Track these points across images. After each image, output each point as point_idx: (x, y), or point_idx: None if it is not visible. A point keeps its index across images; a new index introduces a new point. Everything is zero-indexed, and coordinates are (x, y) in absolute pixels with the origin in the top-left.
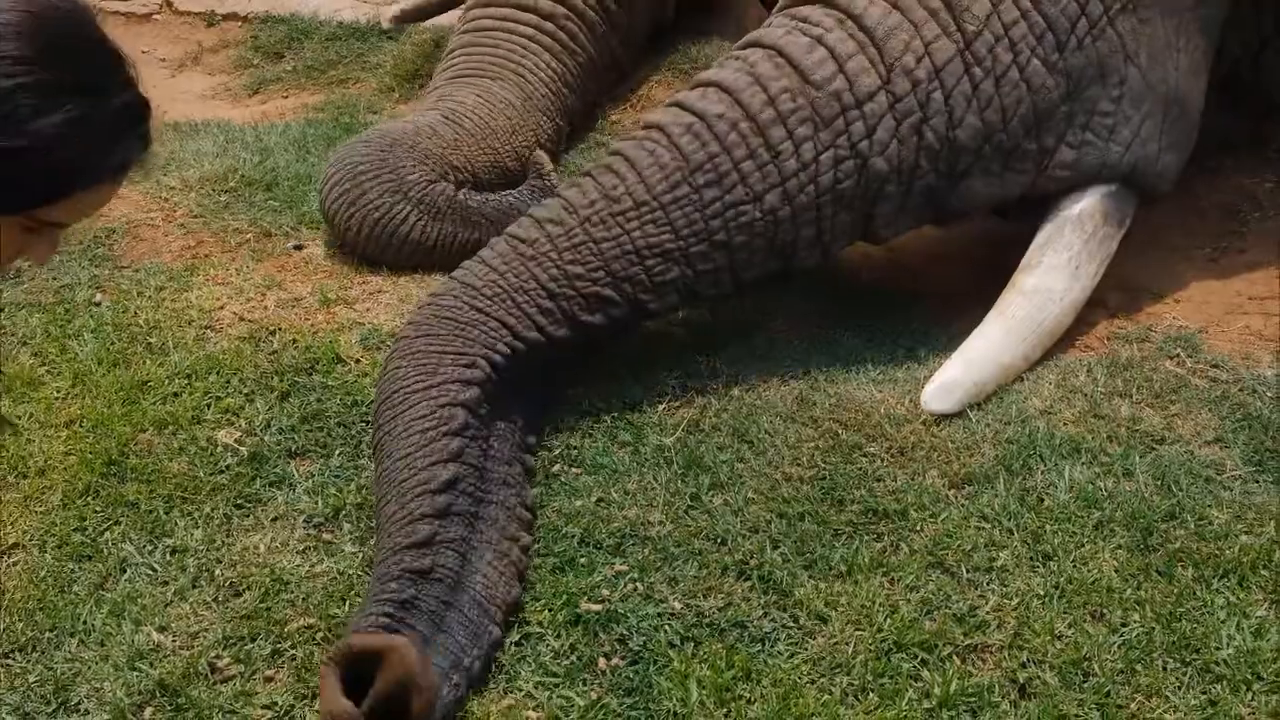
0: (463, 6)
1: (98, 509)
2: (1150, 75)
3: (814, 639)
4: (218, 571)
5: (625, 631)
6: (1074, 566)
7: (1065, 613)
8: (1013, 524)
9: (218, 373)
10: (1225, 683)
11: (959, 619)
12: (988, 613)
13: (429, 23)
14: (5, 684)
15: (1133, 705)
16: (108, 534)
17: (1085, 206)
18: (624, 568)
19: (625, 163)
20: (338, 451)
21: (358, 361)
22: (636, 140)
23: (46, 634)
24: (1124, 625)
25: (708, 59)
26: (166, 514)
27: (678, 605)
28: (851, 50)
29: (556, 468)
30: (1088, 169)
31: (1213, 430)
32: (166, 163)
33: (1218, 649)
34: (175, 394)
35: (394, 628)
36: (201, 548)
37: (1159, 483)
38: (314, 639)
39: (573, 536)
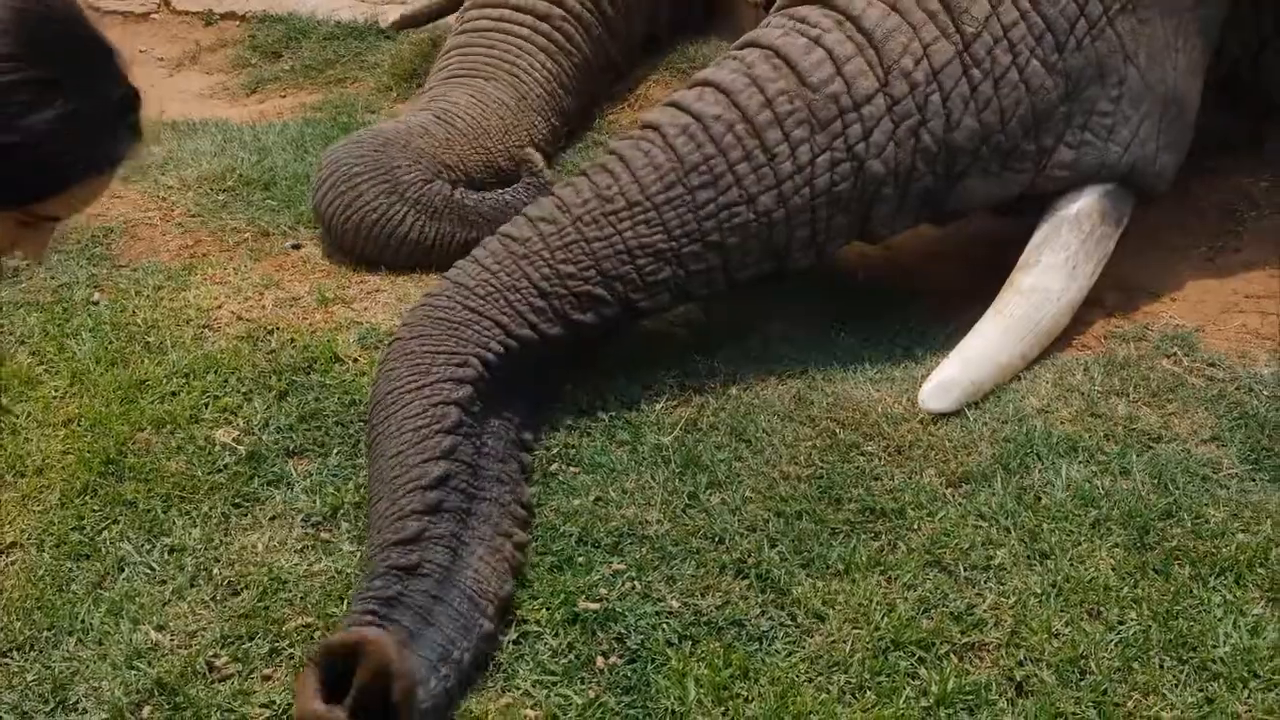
0: (460, 8)
1: (96, 508)
2: (1149, 75)
3: (811, 637)
4: (216, 570)
5: (623, 630)
6: (1071, 565)
7: (1062, 611)
8: (1010, 522)
9: (216, 372)
10: (1222, 680)
11: (956, 617)
12: (985, 611)
13: None
14: (3, 683)
15: (1130, 703)
16: (106, 533)
17: (1083, 206)
18: (622, 566)
19: (620, 162)
20: (335, 450)
21: (355, 361)
22: (633, 140)
23: (44, 633)
24: (1121, 623)
25: (705, 58)
26: (164, 513)
27: (675, 604)
28: (850, 52)
29: (554, 466)
30: (1086, 169)
31: (1209, 429)
32: (164, 162)
33: (1214, 647)
34: (173, 393)
35: (378, 624)
36: (199, 547)
37: (1156, 481)
38: (312, 638)
39: (570, 535)
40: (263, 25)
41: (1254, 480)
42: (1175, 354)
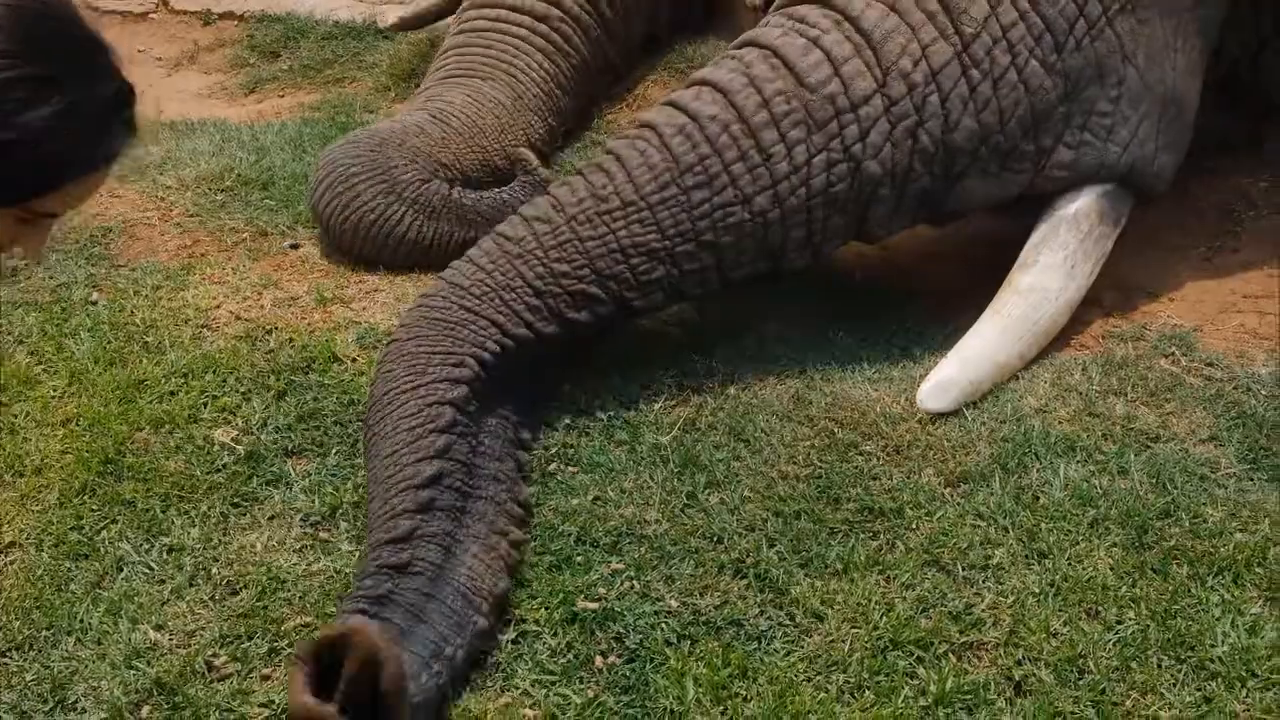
0: (458, 8)
1: (94, 508)
2: (1148, 76)
3: (810, 637)
4: (214, 570)
5: (622, 630)
6: (1069, 564)
7: (1060, 610)
8: (1008, 522)
9: (214, 371)
10: (1220, 680)
11: (955, 617)
12: (983, 610)
13: None
14: (2, 683)
15: (1128, 702)
16: (104, 533)
17: (1081, 206)
18: (620, 566)
19: (616, 162)
20: (334, 450)
21: (354, 360)
22: (629, 140)
23: (43, 633)
24: (1119, 623)
25: (704, 58)
26: (163, 512)
27: (674, 603)
28: (848, 53)
29: (553, 466)
30: (1086, 169)
31: (1207, 428)
32: (163, 162)
33: (1212, 646)
34: (172, 393)
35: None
36: (198, 546)
37: (1154, 481)
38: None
39: (569, 535)
40: (261, 25)
41: (1252, 480)
42: (1173, 354)
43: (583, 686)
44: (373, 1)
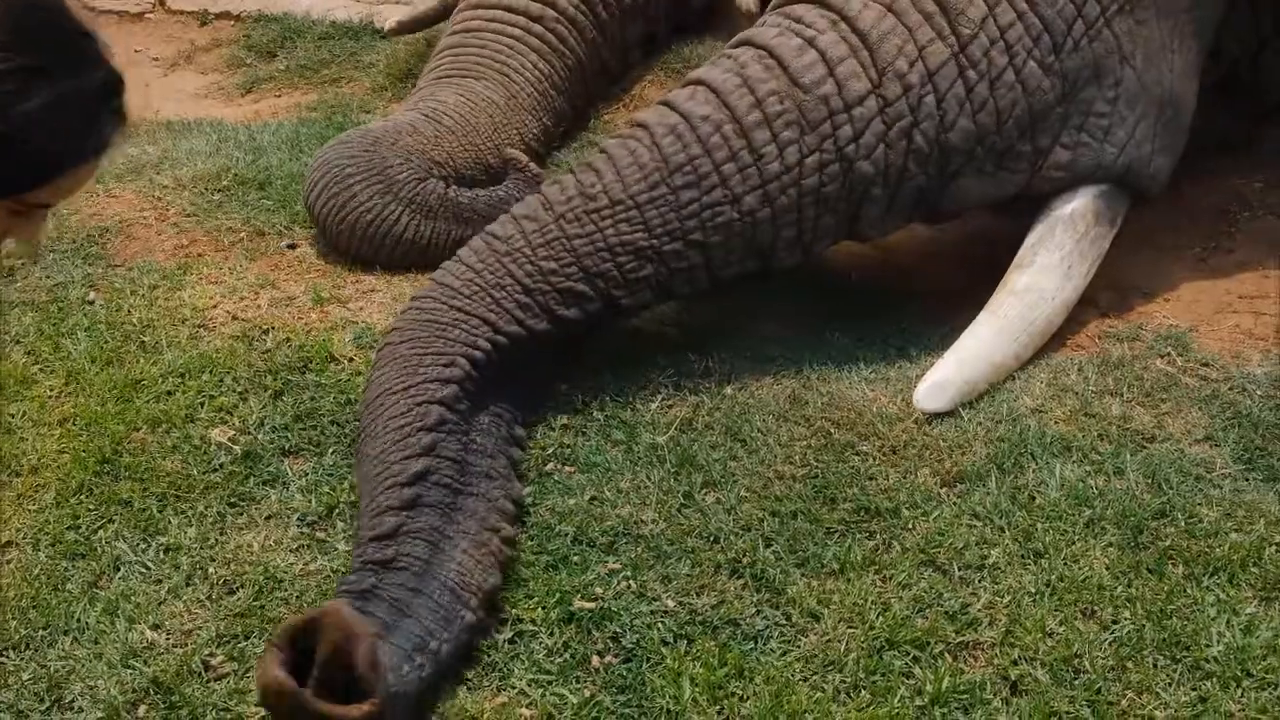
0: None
1: (91, 507)
2: (1145, 77)
3: (806, 637)
4: (211, 570)
5: (618, 629)
6: (1065, 564)
7: (1056, 610)
8: (1004, 522)
9: (211, 371)
10: (1215, 679)
11: (951, 616)
12: (979, 610)
13: None
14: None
15: (1123, 702)
16: (101, 532)
17: (1077, 206)
18: (617, 566)
19: (607, 161)
20: (331, 450)
21: (351, 360)
22: (621, 139)
23: (40, 632)
24: (1115, 622)
25: (701, 59)
26: (160, 512)
27: (671, 603)
28: (843, 54)
29: (550, 466)
30: (1083, 170)
31: (1203, 428)
32: (159, 162)
33: (1208, 646)
34: (169, 392)
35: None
36: (195, 546)
37: (1149, 481)
38: None
39: (566, 534)
40: (258, 25)
41: (1247, 480)
42: (1169, 354)
43: (579, 686)
44: (370, 2)
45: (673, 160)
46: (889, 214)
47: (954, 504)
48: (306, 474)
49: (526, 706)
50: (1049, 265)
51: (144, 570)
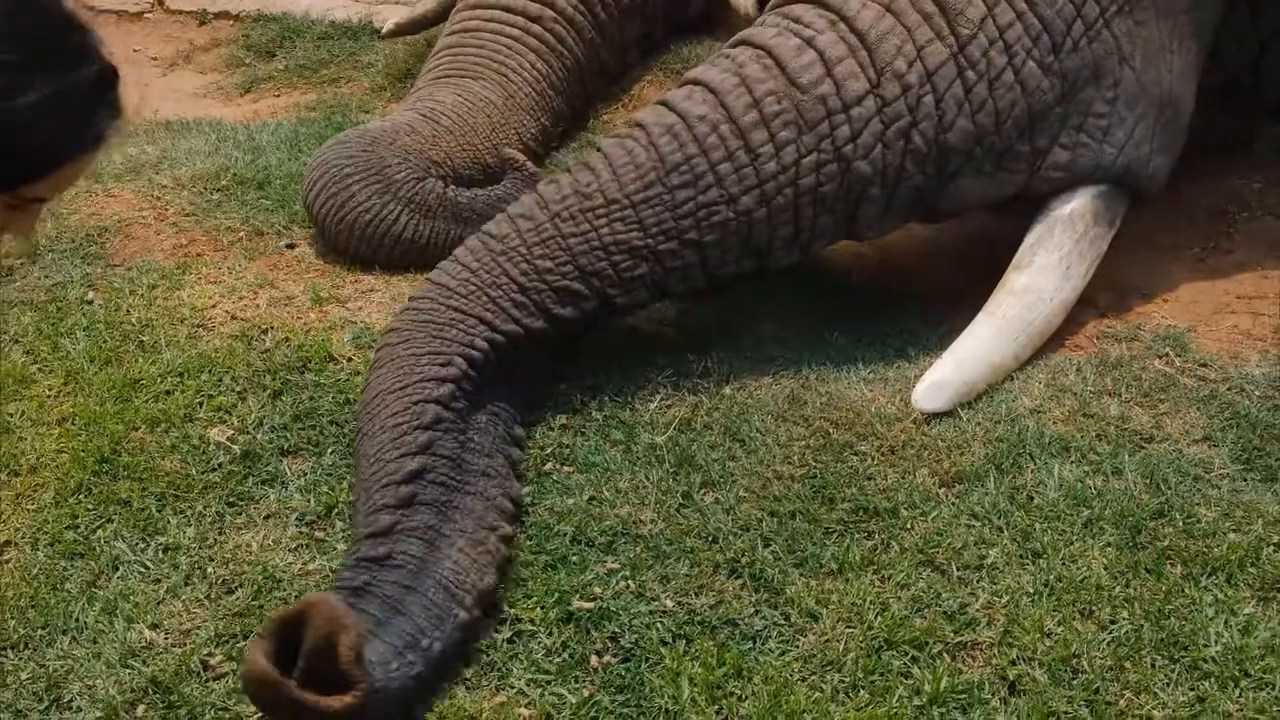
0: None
1: (90, 507)
2: (1144, 77)
3: (805, 636)
4: (210, 569)
5: (617, 629)
6: (1063, 564)
7: (1055, 610)
8: (1003, 522)
9: (210, 371)
10: (1213, 679)
11: (949, 616)
12: (978, 610)
13: None
14: None
15: (1121, 702)
16: (100, 532)
17: (1076, 207)
18: (616, 565)
19: (603, 160)
20: (330, 450)
21: (350, 360)
22: (618, 138)
23: (39, 632)
24: (1113, 622)
25: (699, 59)
26: (159, 512)
27: (669, 603)
28: (841, 54)
29: (549, 466)
30: (1081, 170)
31: (1201, 429)
32: (158, 161)
33: (1206, 646)
34: (167, 392)
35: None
36: (194, 545)
37: (1148, 481)
38: None
39: (565, 534)
40: (256, 25)
41: (1245, 480)
42: (1167, 354)
43: (578, 686)
44: (369, 1)
45: (669, 160)
46: (887, 214)
47: (952, 504)
48: (305, 474)
49: (525, 706)
50: (1048, 265)
51: (143, 570)
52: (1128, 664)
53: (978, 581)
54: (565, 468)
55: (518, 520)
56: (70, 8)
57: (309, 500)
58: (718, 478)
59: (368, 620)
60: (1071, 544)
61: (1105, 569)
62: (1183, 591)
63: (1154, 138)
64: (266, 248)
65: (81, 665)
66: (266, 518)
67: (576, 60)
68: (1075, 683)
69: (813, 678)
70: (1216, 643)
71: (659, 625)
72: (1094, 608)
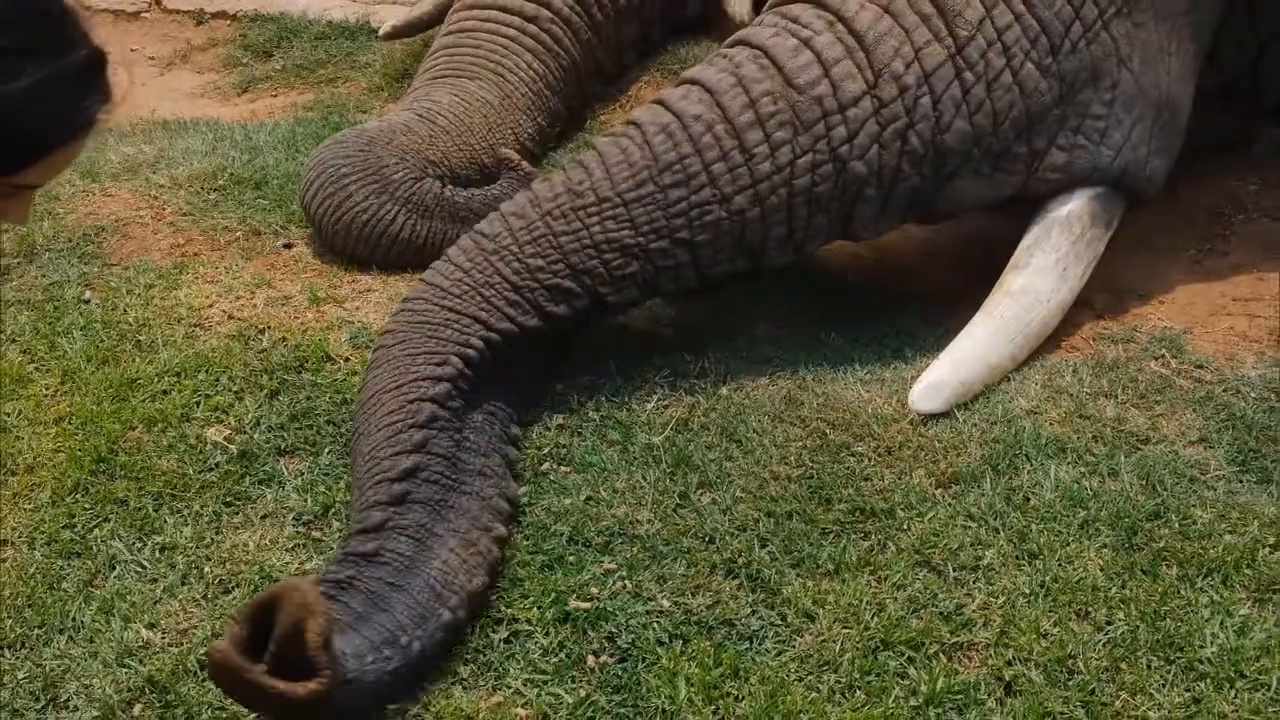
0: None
1: (87, 506)
2: (1143, 79)
3: (802, 637)
4: (207, 569)
5: (614, 629)
6: (1059, 565)
7: (1051, 611)
8: (999, 523)
9: (207, 370)
10: (1209, 680)
11: (945, 617)
12: (974, 611)
13: None
14: None
15: (1117, 703)
16: (97, 531)
17: (1073, 208)
18: (613, 565)
19: (597, 158)
20: (327, 449)
21: (347, 360)
22: (613, 137)
23: (35, 631)
24: (1109, 623)
25: (696, 59)
26: (156, 511)
27: (666, 603)
28: (839, 55)
29: (545, 466)
30: (1079, 172)
31: (1197, 430)
32: (155, 161)
33: (1201, 647)
34: (164, 391)
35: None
36: (191, 545)
37: (1144, 482)
38: None
39: (561, 534)
40: (254, 24)
41: (1241, 481)
42: (1163, 356)
43: (575, 686)
44: (366, 2)
45: (662, 159)
46: (882, 215)
47: (949, 505)
48: (302, 473)
49: (522, 706)
50: (1045, 267)
51: (140, 569)
52: (1123, 665)
53: (974, 582)
54: (562, 468)
55: (513, 521)
56: None
57: (306, 500)
58: (714, 478)
59: (347, 614)
60: (1067, 545)
61: (1101, 570)
62: (1178, 592)
63: (1151, 140)
64: (264, 247)
65: (78, 664)
66: (263, 517)
67: (573, 61)
68: (1071, 683)
69: (809, 678)
70: (1212, 644)
71: (656, 625)
72: (1090, 608)
